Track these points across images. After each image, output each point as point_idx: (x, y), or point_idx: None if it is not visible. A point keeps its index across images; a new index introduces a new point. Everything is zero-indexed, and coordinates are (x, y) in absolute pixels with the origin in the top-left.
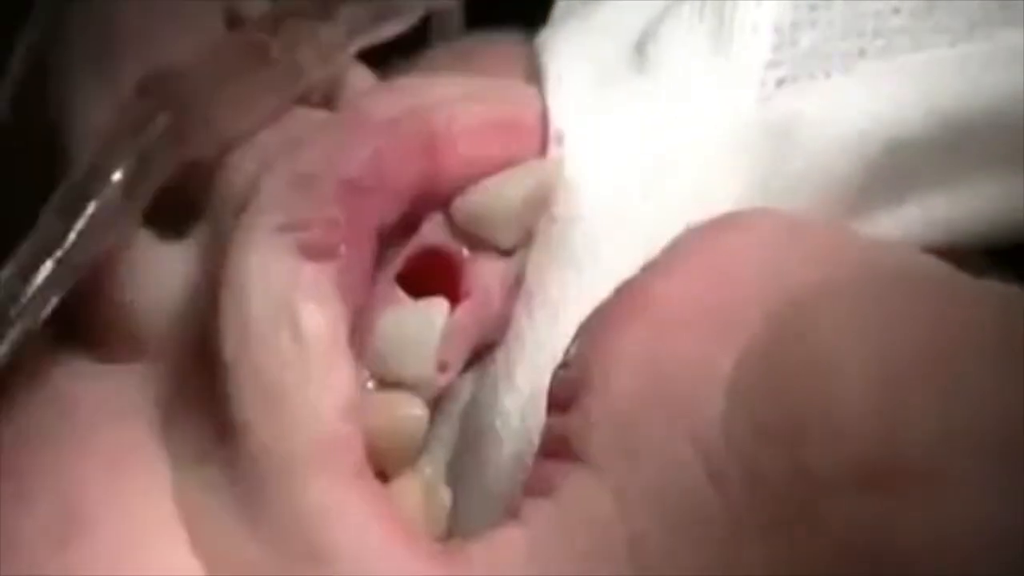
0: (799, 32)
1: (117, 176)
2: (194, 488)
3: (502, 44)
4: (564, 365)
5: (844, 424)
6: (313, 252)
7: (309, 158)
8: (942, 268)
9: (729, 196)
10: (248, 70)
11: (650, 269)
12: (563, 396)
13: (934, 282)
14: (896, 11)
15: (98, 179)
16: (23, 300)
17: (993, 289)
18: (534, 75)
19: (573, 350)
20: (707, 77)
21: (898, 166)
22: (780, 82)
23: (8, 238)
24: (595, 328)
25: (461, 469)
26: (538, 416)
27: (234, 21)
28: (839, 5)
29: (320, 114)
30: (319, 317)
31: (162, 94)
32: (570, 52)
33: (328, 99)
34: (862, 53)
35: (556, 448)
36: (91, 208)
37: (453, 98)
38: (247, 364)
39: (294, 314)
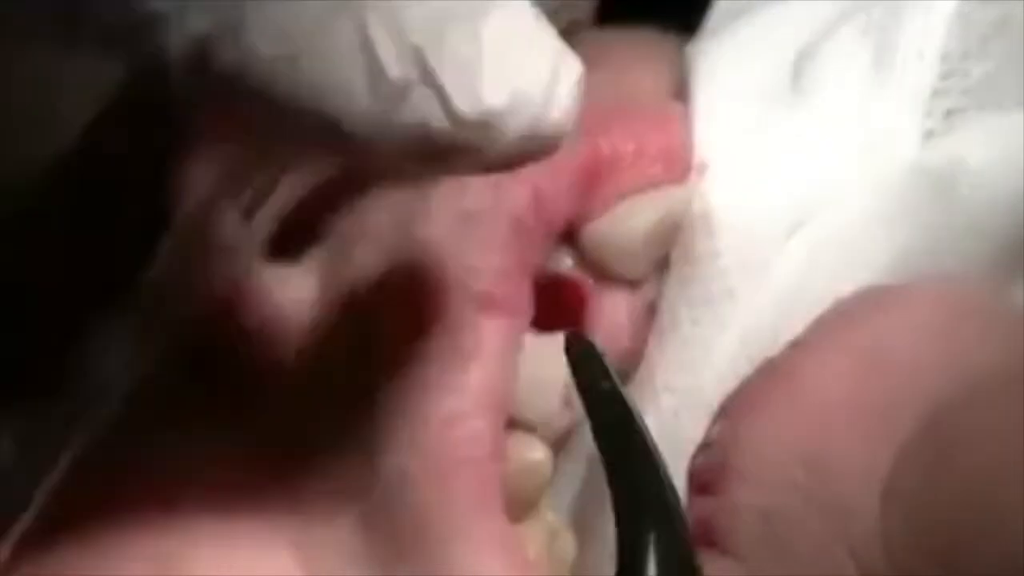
0: (970, 62)
1: (241, 206)
2: (319, 544)
3: (642, 45)
4: (707, 446)
5: (1007, 549)
6: (490, 305)
7: (474, 193)
8: None
9: (883, 248)
10: None
11: (800, 347)
12: (706, 479)
13: None
14: None
15: (218, 210)
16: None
17: None
18: (681, 90)
19: (717, 430)
20: (868, 109)
21: None
22: (948, 113)
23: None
24: (742, 410)
25: (588, 515)
26: (670, 460)
27: None
28: (1015, 36)
29: None
30: (490, 379)
31: None
32: (722, 72)
33: None
34: None
35: (698, 532)
36: (211, 242)
37: (609, 120)
38: (406, 412)
39: (466, 373)
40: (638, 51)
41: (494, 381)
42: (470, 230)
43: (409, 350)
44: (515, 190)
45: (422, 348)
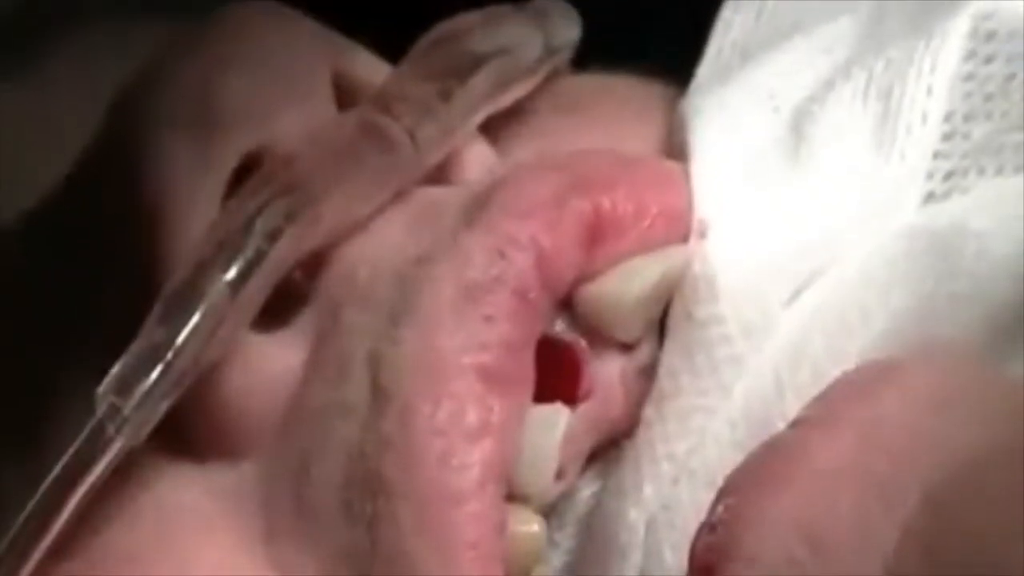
0: (972, 124)
1: (229, 276)
2: None
3: (627, 94)
4: (710, 527)
5: None
6: (496, 379)
7: (478, 262)
8: None
9: (882, 312)
10: (365, 154)
11: (802, 425)
12: (709, 560)
13: None
14: None
15: (206, 279)
16: (124, 414)
17: None
18: (672, 146)
19: (720, 510)
20: (870, 172)
21: None
22: (948, 176)
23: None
24: (746, 488)
25: None
26: (668, 531)
27: (346, 92)
28: (1017, 96)
29: (438, 192)
30: (494, 455)
31: (273, 181)
32: (720, 131)
33: (442, 172)
34: None
35: None
36: (199, 314)
37: (610, 177)
38: (412, 490)
39: (470, 452)
40: (625, 101)
41: (499, 457)
42: (473, 303)
43: (412, 423)
44: (519, 258)
45: (426, 422)
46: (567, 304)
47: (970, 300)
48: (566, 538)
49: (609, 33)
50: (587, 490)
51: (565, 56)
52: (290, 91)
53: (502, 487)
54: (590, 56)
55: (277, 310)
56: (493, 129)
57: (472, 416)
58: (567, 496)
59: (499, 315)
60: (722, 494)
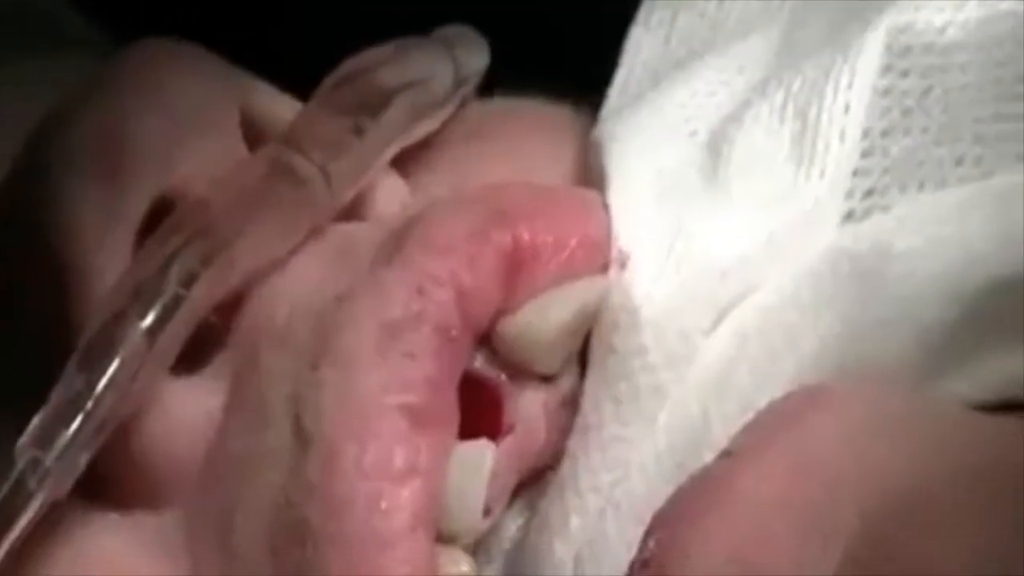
0: (890, 139)
1: (146, 323)
2: None
3: (537, 120)
4: (642, 563)
5: None
6: (421, 420)
7: (397, 301)
8: None
9: (807, 337)
10: (277, 194)
11: (732, 455)
12: None
13: None
14: (997, 117)
15: (123, 327)
16: (46, 466)
17: None
18: (587, 173)
19: (651, 545)
20: (789, 192)
21: (1001, 311)
22: (868, 193)
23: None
24: (675, 523)
25: None
26: (596, 566)
27: (255, 130)
28: (936, 110)
29: (353, 228)
30: (423, 497)
31: (186, 225)
32: (636, 158)
33: (355, 207)
34: (959, 161)
35: None
36: (117, 361)
37: (527, 208)
38: (340, 536)
39: (398, 495)
40: (536, 127)
41: (428, 499)
42: (394, 341)
43: (337, 467)
44: (439, 295)
45: (351, 466)
46: (486, 338)
47: (898, 323)
48: (492, 573)
49: (517, 54)
50: (512, 524)
51: (474, 83)
52: (198, 132)
53: (432, 528)
54: (499, 77)
55: (194, 355)
56: (404, 162)
57: (399, 458)
58: (493, 531)
59: (422, 353)
60: (652, 528)
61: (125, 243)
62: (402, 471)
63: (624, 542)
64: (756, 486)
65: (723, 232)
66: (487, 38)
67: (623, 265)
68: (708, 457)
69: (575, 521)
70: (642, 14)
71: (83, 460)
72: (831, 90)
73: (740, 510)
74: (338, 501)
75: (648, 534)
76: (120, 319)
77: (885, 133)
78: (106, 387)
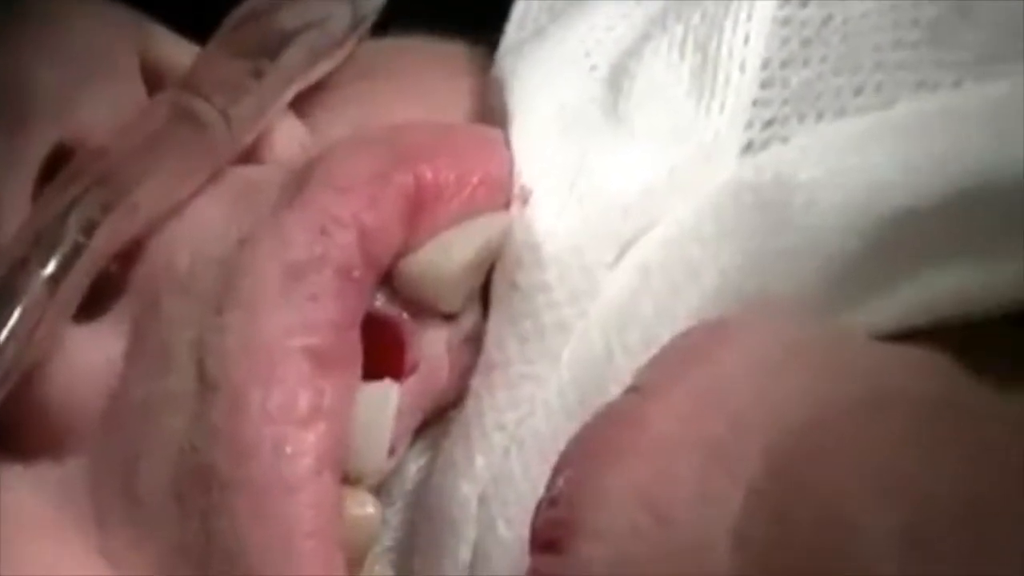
0: (789, 70)
1: (47, 271)
2: None
3: (436, 57)
4: (550, 502)
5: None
6: (324, 362)
7: (299, 244)
8: (954, 384)
9: (710, 269)
10: (178, 138)
11: (637, 391)
12: (551, 536)
13: (945, 408)
14: (897, 44)
15: (24, 275)
16: None
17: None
18: (488, 111)
19: (560, 484)
20: (689, 125)
21: (904, 239)
22: (768, 124)
23: None
24: (583, 460)
25: (416, 560)
26: (502, 505)
27: (155, 75)
28: (835, 39)
29: (254, 171)
30: (328, 440)
31: (86, 172)
32: (537, 93)
33: (254, 150)
34: (858, 91)
35: None
36: (19, 311)
37: (429, 146)
38: (246, 481)
39: (304, 438)
40: (433, 65)
41: (333, 442)
42: (297, 283)
43: (242, 412)
44: (341, 236)
45: (256, 410)
46: (387, 277)
47: (800, 254)
48: (395, 514)
49: None
50: (414, 464)
51: (370, 22)
52: (98, 78)
53: (337, 470)
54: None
55: (95, 302)
56: (301, 103)
57: (303, 401)
58: (395, 472)
59: (324, 295)
60: (560, 466)
61: (24, 191)
62: (307, 414)
63: (529, 480)
64: (661, 423)
65: (625, 167)
66: None
67: (525, 201)
68: (613, 391)
69: (480, 460)
70: None
71: None
72: (731, 23)
73: (646, 448)
74: (243, 446)
75: (556, 472)
76: (21, 267)
77: (784, 64)
78: (8, 336)
